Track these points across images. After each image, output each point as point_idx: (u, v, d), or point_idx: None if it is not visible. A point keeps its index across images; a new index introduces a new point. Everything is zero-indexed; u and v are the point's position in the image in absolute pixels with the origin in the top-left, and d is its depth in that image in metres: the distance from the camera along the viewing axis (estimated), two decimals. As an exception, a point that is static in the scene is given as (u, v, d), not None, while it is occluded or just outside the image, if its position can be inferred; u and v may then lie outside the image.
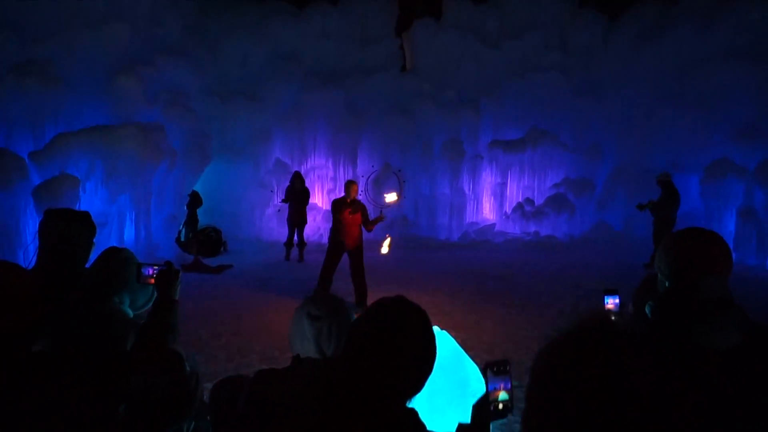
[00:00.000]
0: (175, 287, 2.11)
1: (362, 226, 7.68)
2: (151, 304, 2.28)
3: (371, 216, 7.95)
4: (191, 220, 11.53)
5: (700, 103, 11.90)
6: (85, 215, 2.60)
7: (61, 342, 1.99)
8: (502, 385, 1.59)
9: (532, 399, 0.98)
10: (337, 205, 7.59)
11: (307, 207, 12.40)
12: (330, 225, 13.46)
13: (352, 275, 7.69)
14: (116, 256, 2.19)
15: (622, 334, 0.94)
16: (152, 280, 2.14)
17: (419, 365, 1.32)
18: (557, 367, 0.93)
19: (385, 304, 1.39)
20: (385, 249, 8.10)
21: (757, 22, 11.28)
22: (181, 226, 11.41)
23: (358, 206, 7.61)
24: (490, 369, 1.58)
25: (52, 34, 9.50)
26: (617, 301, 2.34)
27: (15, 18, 9.46)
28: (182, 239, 11.30)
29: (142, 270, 2.15)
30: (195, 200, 11.52)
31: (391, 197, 8.40)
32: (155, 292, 2.18)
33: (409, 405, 1.37)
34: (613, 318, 2.27)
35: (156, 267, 2.15)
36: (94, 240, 2.64)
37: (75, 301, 2.13)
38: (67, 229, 2.47)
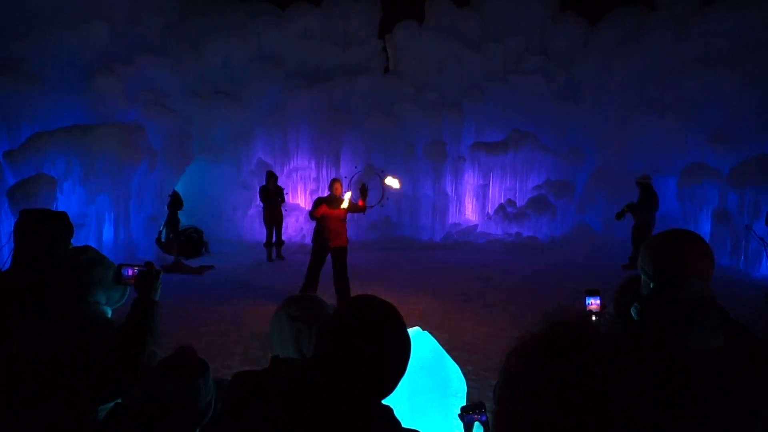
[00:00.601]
0: (154, 288, 2.09)
1: (346, 222, 7.53)
2: (124, 301, 2.25)
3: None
4: (172, 220, 11.40)
5: (676, 108, 12.13)
6: (62, 215, 2.56)
7: (42, 344, 1.96)
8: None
9: (502, 400, 0.99)
10: (318, 202, 7.49)
11: (289, 207, 12.37)
12: (313, 226, 13.44)
13: (334, 277, 7.56)
14: (83, 256, 2.15)
15: (593, 334, 0.95)
16: (132, 281, 2.11)
17: (392, 364, 1.31)
18: (527, 368, 0.93)
19: (356, 302, 1.38)
20: (393, 184, 8.02)
21: (732, 30, 11.53)
22: (162, 227, 11.28)
23: (340, 200, 7.45)
24: (465, 412, 1.69)
25: (30, 31, 9.33)
26: (598, 301, 2.37)
27: (-10, 14, 9.28)
28: (162, 240, 11.17)
29: (122, 271, 2.13)
30: (175, 201, 11.39)
31: (392, 181, 8.13)
32: (130, 290, 2.15)
33: (391, 406, 1.37)
34: (590, 318, 2.31)
35: (136, 268, 2.12)
36: (72, 241, 2.60)
37: (52, 303, 2.09)
38: (44, 229, 2.43)
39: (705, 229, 11.23)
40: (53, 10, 9.52)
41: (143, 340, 1.95)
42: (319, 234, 7.59)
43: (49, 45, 9.42)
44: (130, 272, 2.12)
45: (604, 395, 0.88)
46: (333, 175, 13.76)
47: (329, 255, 7.60)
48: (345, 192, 7.61)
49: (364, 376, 1.27)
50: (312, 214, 7.55)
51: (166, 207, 11.35)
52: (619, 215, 10.25)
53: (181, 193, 11.76)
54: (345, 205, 7.44)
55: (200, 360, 1.84)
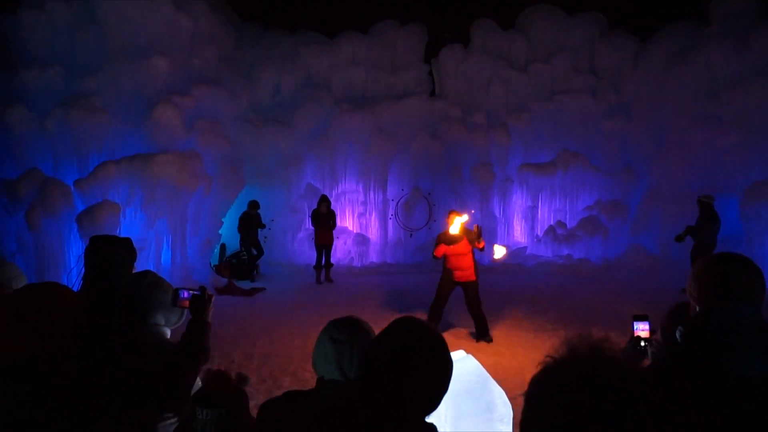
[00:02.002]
0: (208, 311, 2.22)
1: (472, 254, 7.08)
2: (182, 321, 2.38)
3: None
4: (254, 239, 11.85)
5: (736, 124, 11.64)
6: (127, 241, 2.75)
7: (108, 362, 2.10)
8: None
9: (524, 425, 1.01)
10: (437, 241, 7.13)
11: (337, 230, 12.56)
12: (359, 248, 13.57)
13: (468, 309, 7.31)
14: (144, 280, 2.31)
15: (614, 363, 0.96)
16: (187, 303, 2.24)
17: (433, 384, 1.35)
18: (547, 395, 0.95)
19: (397, 325, 1.42)
20: (498, 254, 7.22)
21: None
22: (240, 248, 11.93)
23: (459, 236, 6.94)
24: None
25: (97, 68, 10.02)
26: (647, 326, 2.32)
27: (62, 54, 10.03)
28: (245, 259, 11.74)
29: (179, 294, 2.27)
30: (256, 220, 11.93)
31: (500, 251, 7.28)
32: (187, 312, 2.29)
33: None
34: (638, 344, 2.26)
35: (191, 291, 2.26)
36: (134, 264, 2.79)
37: (117, 324, 2.25)
38: (112, 254, 2.61)
39: (771, 250, 10.63)
40: (118, 48, 10.20)
41: (196, 358, 2.07)
42: (444, 268, 7.28)
43: (115, 80, 10.08)
44: (186, 295, 2.26)
45: (615, 424, 0.88)
46: (381, 199, 13.91)
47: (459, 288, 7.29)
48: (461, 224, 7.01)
49: (406, 396, 1.31)
50: (434, 256, 7.16)
51: (238, 228, 11.86)
52: (679, 238, 9.81)
53: (233, 218, 12.21)
54: (455, 230, 6.88)
55: (242, 390, 1.93)
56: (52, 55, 10.10)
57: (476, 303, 7.22)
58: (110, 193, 9.25)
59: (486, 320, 7.32)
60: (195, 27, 11.35)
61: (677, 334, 1.70)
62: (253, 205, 11.93)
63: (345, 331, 1.81)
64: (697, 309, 1.71)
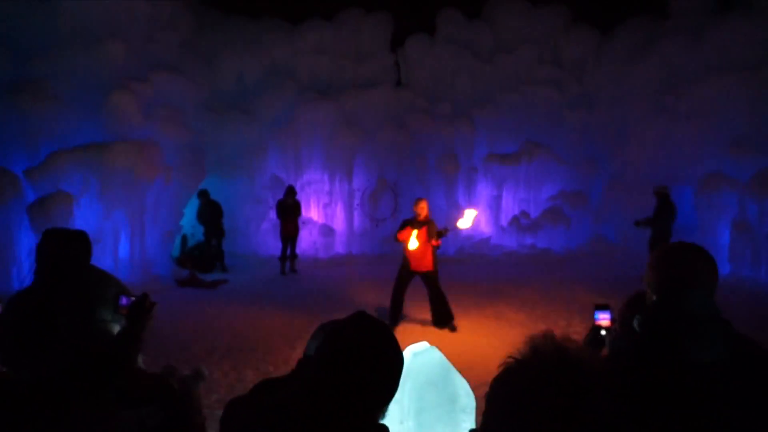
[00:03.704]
0: (144, 322, 2.06)
1: (429, 244, 7.07)
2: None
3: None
4: (218, 231, 11.60)
5: (692, 116, 11.99)
6: (83, 235, 2.60)
7: (51, 366, 1.98)
8: None
9: (485, 426, 0.98)
10: (402, 225, 7.18)
11: (302, 221, 12.43)
12: (325, 239, 13.46)
13: (429, 299, 7.34)
14: (88, 276, 2.17)
15: (578, 363, 0.93)
16: (125, 311, 2.09)
17: (382, 382, 1.33)
18: (511, 396, 0.92)
19: (348, 322, 1.41)
20: (465, 223, 7.14)
21: (747, 36, 11.41)
22: (203, 240, 11.69)
23: (419, 225, 7.00)
24: None
25: (48, 52, 9.54)
26: (608, 315, 2.33)
27: (10, 36, 9.51)
28: (211, 251, 11.56)
29: (119, 300, 2.12)
30: (218, 210, 11.72)
31: (466, 220, 7.18)
32: (120, 297, 2.15)
33: (399, 421, 1.38)
34: (598, 334, 2.27)
35: (133, 298, 2.11)
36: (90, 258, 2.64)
37: (60, 321, 2.12)
38: (67, 248, 2.46)
39: (723, 239, 11.03)
40: (70, 31, 9.73)
41: (112, 370, 1.90)
42: (403, 257, 7.31)
43: (67, 65, 9.62)
44: (125, 302, 2.10)
45: (580, 425, 0.86)
46: (346, 189, 13.81)
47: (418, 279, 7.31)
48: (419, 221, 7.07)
49: (355, 394, 1.29)
50: (396, 237, 7.22)
51: (197, 218, 11.60)
52: (638, 223, 10.12)
53: (193, 209, 11.93)
54: (412, 246, 6.98)
55: (161, 378, 1.84)
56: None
57: (438, 294, 7.24)
58: (63, 183, 8.86)
59: (451, 310, 7.34)
60: (152, 10, 10.94)
61: (635, 323, 1.71)
62: (206, 193, 11.72)
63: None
64: (654, 298, 1.73)
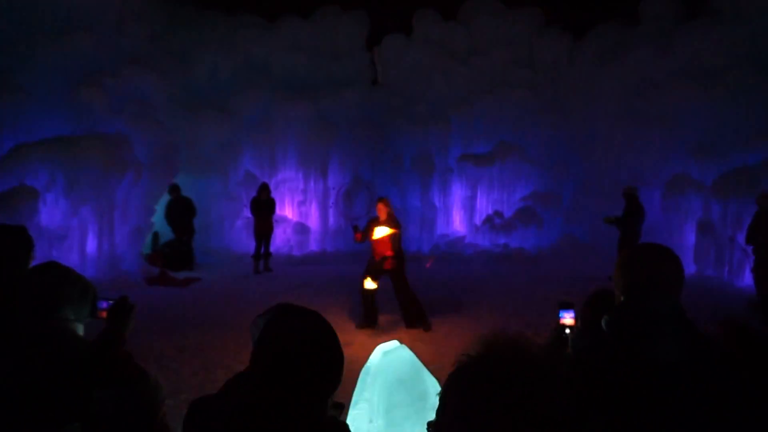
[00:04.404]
0: (125, 324, 2.04)
1: (389, 242, 7.11)
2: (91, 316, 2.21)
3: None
4: (189, 229, 11.42)
5: (660, 120, 12.28)
6: (20, 230, 2.52)
7: (9, 361, 1.92)
8: None
9: (439, 424, 0.99)
10: (365, 227, 7.32)
11: (277, 219, 12.32)
12: (299, 237, 13.36)
13: (396, 297, 7.31)
14: (48, 272, 2.12)
15: (530, 359, 0.94)
16: (104, 314, 2.07)
17: (317, 369, 1.33)
18: (462, 392, 0.93)
19: (280, 312, 1.41)
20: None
21: (714, 43, 11.73)
22: (176, 237, 11.53)
23: (372, 224, 7.17)
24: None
25: (13, 43, 9.26)
26: (572, 314, 2.37)
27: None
28: (183, 248, 11.37)
29: (98, 303, 2.09)
30: (190, 208, 11.55)
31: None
32: (97, 301, 2.12)
33: (368, 419, 1.39)
34: (563, 332, 2.30)
35: (112, 301, 2.09)
36: (49, 253, 2.57)
37: (21, 320, 2.05)
38: (1, 246, 2.39)
39: (689, 240, 11.34)
40: (37, 22, 9.46)
41: (101, 375, 1.89)
42: (370, 256, 7.42)
43: (33, 56, 9.35)
44: (105, 305, 2.08)
45: (532, 421, 0.87)
46: (321, 187, 13.75)
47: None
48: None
49: (291, 384, 1.29)
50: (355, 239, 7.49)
51: (165, 216, 11.39)
52: (608, 219, 10.31)
53: (164, 206, 11.71)
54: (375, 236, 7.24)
55: (135, 364, 1.82)
56: (-40, 27, 9.25)
57: (405, 291, 7.25)
58: (28, 177, 8.61)
59: (423, 308, 7.35)
60: (123, 2, 10.70)
61: (603, 323, 1.73)
62: (177, 188, 11.55)
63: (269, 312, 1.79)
64: (621, 298, 1.76)
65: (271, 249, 11.75)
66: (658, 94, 12.39)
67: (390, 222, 7.19)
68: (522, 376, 0.91)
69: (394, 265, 7.13)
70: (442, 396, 0.98)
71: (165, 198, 11.71)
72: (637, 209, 10.30)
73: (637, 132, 12.60)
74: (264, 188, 11.42)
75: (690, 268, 11.10)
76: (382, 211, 7.21)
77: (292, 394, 1.28)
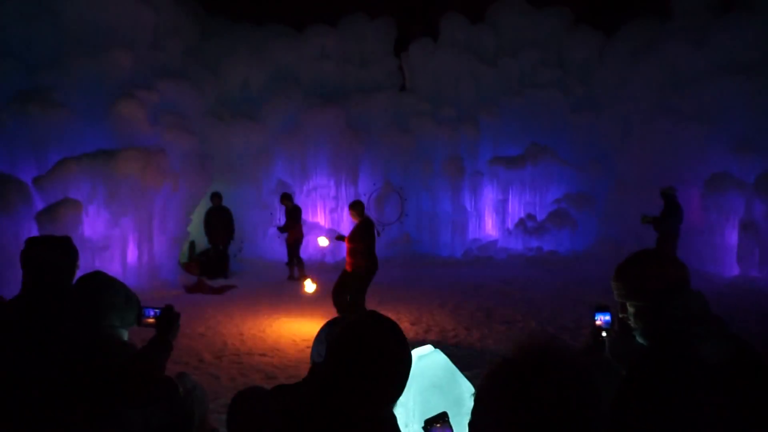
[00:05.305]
0: (174, 331, 2.14)
1: (354, 246, 7.31)
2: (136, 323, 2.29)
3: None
4: (227, 236, 11.70)
5: (698, 117, 11.95)
6: (66, 240, 2.61)
7: (59, 367, 2.01)
8: None
9: (474, 424, 1.00)
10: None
11: (309, 225, 12.46)
12: (331, 244, 13.50)
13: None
14: (93, 281, 2.21)
15: (564, 360, 0.95)
16: (152, 321, 2.16)
17: (390, 377, 1.37)
18: (497, 393, 0.94)
19: (358, 320, 1.46)
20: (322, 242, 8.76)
21: (750, 36, 11.37)
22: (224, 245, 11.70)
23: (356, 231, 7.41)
24: (429, 425, 1.66)
25: (55, 61, 9.65)
26: (608, 317, 2.34)
27: (18, 46, 9.64)
28: (219, 256, 11.50)
29: (144, 311, 2.19)
30: (226, 217, 11.75)
31: (323, 240, 9.21)
32: (143, 309, 2.21)
33: (403, 424, 1.43)
34: (599, 334, 2.27)
35: (157, 309, 2.18)
36: (92, 263, 2.68)
37: (69, 328, 2.14)
38: (49, 256, 2.49)
39: (731, 240, 10.97)
40: (77, 41, 9.83)
41: (151, 377, 1.98)
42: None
43: (74, 74, 9.72)
44: (151, 313, 2.18)
45: (565, 420, 0.88)
46: (352, 194, 13.85)
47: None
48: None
49: (364, 387, 1.34)
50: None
51: (204, 223, 11.61)
52: (645, 219, 10.03)
53: (200, 215, 11.96)
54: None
55: (165, 377, 1.89)
56: (6, 48, 9.68)
57: (353, 294, 7.35)
58: (71, 190, 8.93)
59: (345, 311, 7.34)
60: (157, 18, 11.04)
61: (638, 337, 1.73)
62: (219, 195, 11.74)
63: (341, 320, 1.90)
64: (634, 309, 1.75)
65: (304, 257, 11.87)
66: (694, 90, 12.07)
67: (357, 225, 7.43)
68: (555, 378, 0.92)
69: (354, 267, 7.38)
70: (477, 397, 1.00)
71: (201, 206, 11.98)
72: (676, 210, 10.02)
73: (674, 129, 12.29)
74: (286, 197, 11.59)
75: (733, 269, 10.74)
76: (352, 215, 7.55)
77: (363, 397, 1.33)
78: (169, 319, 2.13)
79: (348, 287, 7.45)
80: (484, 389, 0.99)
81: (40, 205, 8.79)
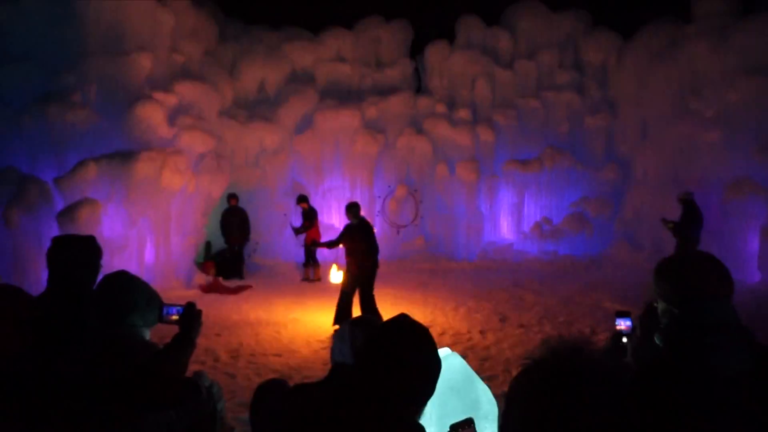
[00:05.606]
0: (197, 328, 2.16)
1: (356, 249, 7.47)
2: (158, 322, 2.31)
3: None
4: (243, 237, 11.75)
5: (718, 121, 11.75)
6: (90, 240, 2.66)
7: (82, 366, 2.03)
8: None
9: (504, 426, 0.99)
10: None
11: (323, 227, 12.49)
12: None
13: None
14: (116, 281, 2.23)
15: (594, 364, 0.94)
16: (174, 317, 2.18)
17: (421, 380, 1.38)
18: (528, 396, 0.93)
19: (390, 322, 1.46)
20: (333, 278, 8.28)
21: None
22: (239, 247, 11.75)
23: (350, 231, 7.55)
24: (454, 430, 1.63)
25: (75, 64, 9.81)
26: (629, 323, 2.31)
27: (39, 49, 9.81)
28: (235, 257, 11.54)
29: (164, 310, 2.20)
30: (242, 218, 11.82)
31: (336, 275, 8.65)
32: (163, 307, 2.22)
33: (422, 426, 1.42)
34: (620, 340, 2.24)
35: (179, 307, 2.19)
36: (110, 263, 2.71)
37: (91, 327, 2.17)
38: (74, 255, 2.53)
39: (753, 246, 10.76)
40: (97, 44, 9.99)
41: (175, 375, 2.00)
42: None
43: (94, 76, 9.88)
44: (173, 311, 2.19)
45: (595, 425, 0.87)
46: (367, 195, 13.86)
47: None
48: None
49: (395, 394, 1.33)
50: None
51: (221, 224, 11.67)
52: (666, 223, 9.83)
53: (216, 215, 12.05)
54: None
55: (187, 379, 1.89)
56: (28, 51, 9.87)
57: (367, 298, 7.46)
58: (91, 190, 9.07)
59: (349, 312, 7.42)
60: (176, 22, 11.18)
61: (657, 340, 1.70)
62: (235, 197, 11.80)
63: (364, 320, 1.92)
64: (672, 310, 1.71)
65: (319, 258, 11.91)
66: (714, 93, 11.87)
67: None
68: (587, 381, 0.91)
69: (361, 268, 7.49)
70: (508, 399, 0.99)
71: (218, 207, 12.08)
72: (696, 215, 9.82)
73: (693, 132, 12.10)
74: (302, 199, 11.63)
75: (754, 276, 10.53)
76: (349, 214, 7.67)
77: (394, 401, 1.32)
78: (192, 316, 2.14)
79: (358, 288, 7.47)
80: (516, 392, 0.98)
81: (60, 204, 8.94)
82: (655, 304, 1.86)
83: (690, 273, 1.70)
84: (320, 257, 11.97)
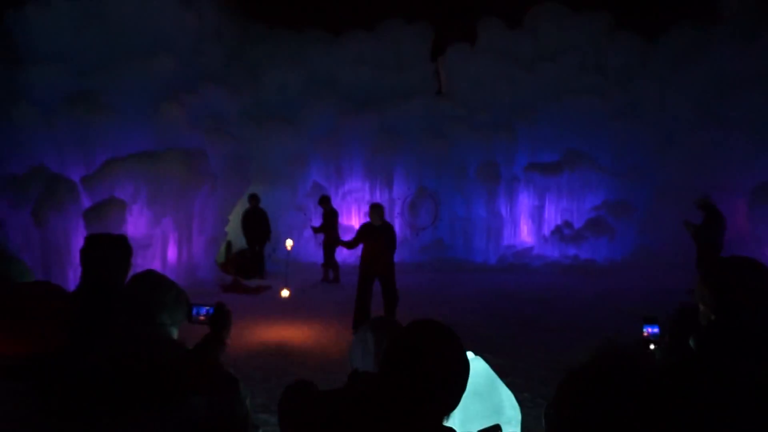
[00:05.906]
0: (228, 328, 2.19)
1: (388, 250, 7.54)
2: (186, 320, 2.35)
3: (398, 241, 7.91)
4: (263, 237, 11.87)
5: (744, 123, 11.55)
6: (122, 239, 2.72)
7: (112, 363, 2.08)
8: None
9: (552, 429, 1.00)
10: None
11: (344, 229, 12.54)
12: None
13: (384, 302, 7.62)
14: (145, 280, 2.27)
15: (637, 370, 0.94)
16: (203, 317, 2.21)
17: (450, 385, 1.34)
18: (572, 399, 0.94)
19: (417, 325, 1.42)
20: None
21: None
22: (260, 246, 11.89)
23: (375, 230, 7.55)
24: None
25: (102, 65, 10.03)
26: (656, 329, 2.29)
27: (68, 51, 10.05)
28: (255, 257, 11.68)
29: (194, 309, 2.23)
30: (263, 218, 11.93)
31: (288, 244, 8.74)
32: (191, 306, 2.25)
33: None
34: (646, 347, 2.23)
35: (209, 307, 2.22)
36: (134, 261, 2.77)
37: (120, 325, 2.22)
38: (106, 253, 2.59)
39: (780, 252, 10.53)
40: (123, 46, 10.20)
41: (206, 375, 2.03)
42: (362, 260, 7.93)
43: (120, 78, 10.08)
44: (203, 311, 2.22)
45: (638, 425, 0.87)
46: (387, 197, 13.88)
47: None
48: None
49: (422, 398, 1.30)
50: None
51: (242, 224, 11.78)
52: (688, 225, 9.60)
53: (238, 215, 12.17)
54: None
55: (227, 372, 1.92)
56: (57, 52, 10.11)
57: (391, 296, 7.57)
58: (117, 190, 9.26)
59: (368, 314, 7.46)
60: (200, 24, 11.35)
61: (691, 343, 1.67)
62: (257, 197, 11.90)
63: (385, 325, 1.87)
64: (711, 316, 1.68)
65: (339, 259, 11.95)
66: (740, 96, 11.67)
67: (386, 228, 7.66)
68: (630, 382, 0.91)
69: (389, 269, 7.58)
70: (558, 405, 0.99)
71: (239, 207, 12.20)
72: (717, 219, 9.54)
73: (718, 136, 11.90)
74: (324, 200, 11.67)
75: (780, 282, 10.28)
76: (373, 216, 7.62)
77: (424, 407, 1.30)
78: (222, 316, 2.18)
79: (381, 286, 7.57)
80: (566, 398, 0.98)
81: (87, 203, 9.13)
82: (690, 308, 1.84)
83: (731, 279, 1.67)
84: (339, 258, 12.01)
